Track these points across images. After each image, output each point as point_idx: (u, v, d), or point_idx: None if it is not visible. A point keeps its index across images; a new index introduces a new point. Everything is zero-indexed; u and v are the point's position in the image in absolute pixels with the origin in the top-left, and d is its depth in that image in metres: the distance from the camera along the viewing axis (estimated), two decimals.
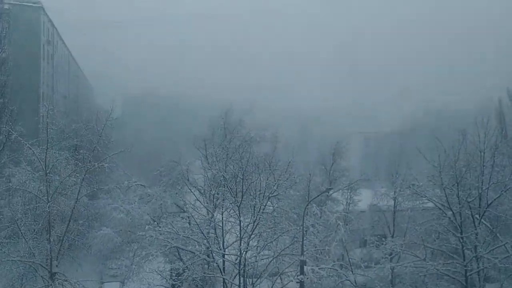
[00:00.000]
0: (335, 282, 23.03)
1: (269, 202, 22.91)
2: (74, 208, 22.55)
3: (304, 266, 20.58)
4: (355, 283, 23.52)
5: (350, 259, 24.15)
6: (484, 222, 24.49)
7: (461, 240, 23.70)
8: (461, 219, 23.92)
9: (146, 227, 20.83)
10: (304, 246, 20.76)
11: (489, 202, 24.23)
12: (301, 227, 20.89)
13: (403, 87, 77.14)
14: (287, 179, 22.84)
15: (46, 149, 22.26)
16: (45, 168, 21.97)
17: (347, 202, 29.22)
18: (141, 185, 25.13)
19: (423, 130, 56.41)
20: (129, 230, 23.23)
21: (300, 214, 23.32)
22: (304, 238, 20.83)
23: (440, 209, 24.97)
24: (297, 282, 21.28)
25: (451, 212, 24.08)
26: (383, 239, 26.02)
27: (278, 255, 21.60)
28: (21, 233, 21.54)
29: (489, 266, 24.10)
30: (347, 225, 23.61)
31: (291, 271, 22.39)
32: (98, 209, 26.71)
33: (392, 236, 28.73)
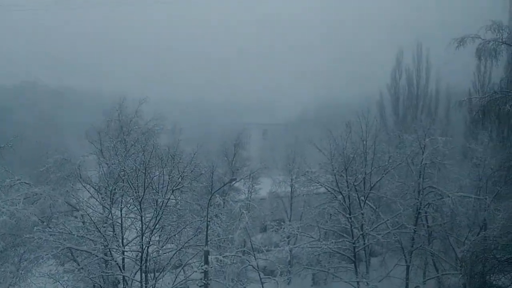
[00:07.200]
0: (239, 268, 23.63)
1: (172, 195, 22.52)
2: None
3: (208, 256, 20.74)
4: (257, 267, 24.40)
5: (252, 245, 24.94)
6: (368, 203, 27.20)
7: (350, 220, 26.09)
8: (349, 201, 26.36)
9: (34, 229, 19.24)
10: (208, 236, 20.89)
11: (372, 184, 26.90)
12: (205, 218, 20.95)
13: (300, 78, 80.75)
14: (191, 171, 22.59)
15: None
16: None
17: (249, 191, 30.04)
18: (25, 183, 22.81)
19: (316, 121, 59.92)
20: (14, 233, 21.00)
21: (203, 205, 23.35)
22: (208, 229, 20.94)
23: (331, 193, 27.15)
24: (201, 272, 21.35)
25: (341, 196, 26.36)
26: (282, 223, 27.42)
27: (181, 248, 21.38)
28: None
29: (374, 241, 26.94)
30: (249, 212, 24.27)
31: (194, 262, 22.38)
32: None
33: (290, 220, 30.52)
